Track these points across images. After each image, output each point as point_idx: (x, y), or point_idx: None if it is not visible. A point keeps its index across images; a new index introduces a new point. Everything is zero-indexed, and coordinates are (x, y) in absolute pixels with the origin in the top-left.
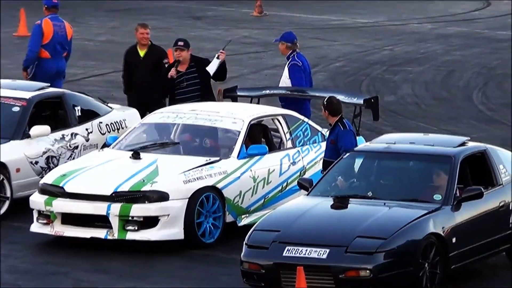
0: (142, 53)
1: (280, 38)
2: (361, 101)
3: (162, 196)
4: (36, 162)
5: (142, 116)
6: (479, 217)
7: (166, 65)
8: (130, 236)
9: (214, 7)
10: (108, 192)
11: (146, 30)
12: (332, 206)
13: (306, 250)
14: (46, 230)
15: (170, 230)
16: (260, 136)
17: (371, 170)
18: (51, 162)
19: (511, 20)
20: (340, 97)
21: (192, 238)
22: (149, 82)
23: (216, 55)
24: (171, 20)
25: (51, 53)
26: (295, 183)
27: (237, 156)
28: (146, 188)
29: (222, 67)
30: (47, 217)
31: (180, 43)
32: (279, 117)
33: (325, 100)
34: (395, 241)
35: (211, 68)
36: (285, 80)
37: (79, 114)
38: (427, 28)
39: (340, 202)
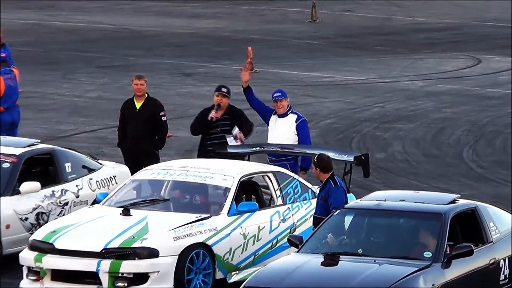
0: (138, 105)
1: (283, 94)
2: (352, 158)
3: (152, 253)
4: (26, 219)
5: (134, 167)
6: (470, 275)
7: (163, 118)
8: None
9: (205, 63)
10: (98, 248)
11: (141, 81)
12: (323, 263)
13: None
14: (36, 286)
15: (160, 287)
16: (251, 193)
17: (361, 227)
18: (41, 218)
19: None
20: (331, 154)
21: None
22: (143, 134)
23: (234, 134)
24: (162, 76)
25: (6, 106)
26: (285, 240)
27: (227, 213)
28: (136, 244)
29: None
30: (37, 274)
31: (224, 89)
32: (270, 174)
33: (316, 157)
34: None
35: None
36: (287, 136)
37: (69, 170)
38: (418, 85)
39: (331, 259)
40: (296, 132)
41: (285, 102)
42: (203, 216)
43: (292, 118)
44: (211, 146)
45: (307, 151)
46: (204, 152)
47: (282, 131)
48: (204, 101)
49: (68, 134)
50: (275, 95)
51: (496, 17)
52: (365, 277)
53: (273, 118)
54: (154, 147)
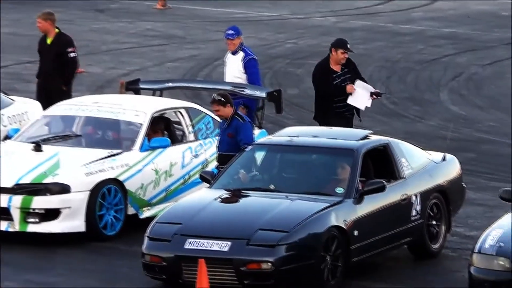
0: (49, 40)
1: (236, 33)
2: (264, 94)
3: (63, 189)
4: None
5: (46, 104)
6: (381, 210)
7: (70, 55)
8: (32, 228)
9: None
10: (9, 184)
11: (38, 19)
12: (234, 199)
13: (208, 242)
14: None
15: (72, 223)
16: (163, 129)
17: (273, 163)
18: None
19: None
20: (244, 91)
21: (94, 230)
22: (53, 71)
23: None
24: (74, 12)
25: None
26: (198, 175)
27: (139, 149)
28: (48, 180)
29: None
30: None
31: (348, 45)
32: (182, 110)
33: (219, 95)
34: (297, 234)
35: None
36: (236, 74)
37: None
38: (331, 21)
39: (242, 195)
40: (244, 71)
41: (236, 40)
42: (115, 152)
43: (240, 56)
44: (343, 108)
45: (218, 87)
46: (334, 115)
47: (232, 68)
48: (118, 37)
49: None
50: (228, 32)
51: None
52: (277, 213)
53: (227, 55)
54: (63, 83)
